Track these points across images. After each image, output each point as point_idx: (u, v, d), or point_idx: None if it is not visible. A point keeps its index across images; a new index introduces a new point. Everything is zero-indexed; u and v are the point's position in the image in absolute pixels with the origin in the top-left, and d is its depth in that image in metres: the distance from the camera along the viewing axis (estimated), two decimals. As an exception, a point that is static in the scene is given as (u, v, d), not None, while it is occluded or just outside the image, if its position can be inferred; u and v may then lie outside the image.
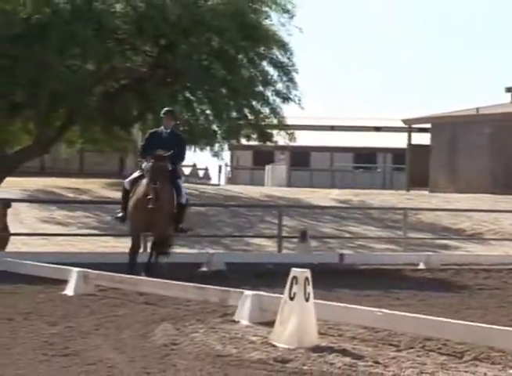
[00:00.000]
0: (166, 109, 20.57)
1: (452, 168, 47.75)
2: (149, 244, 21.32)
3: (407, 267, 23.57)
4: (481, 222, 31.89)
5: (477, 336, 11.05)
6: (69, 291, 16.02)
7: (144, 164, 19.26)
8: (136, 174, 19.84)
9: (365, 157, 68.40)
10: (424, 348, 11.36)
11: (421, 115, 53.60)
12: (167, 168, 18.82)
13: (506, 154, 44.45)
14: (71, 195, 34.23)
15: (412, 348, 11.41)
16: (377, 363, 10.48)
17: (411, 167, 51.49)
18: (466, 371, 10.16)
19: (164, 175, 18.73)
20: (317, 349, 11.02)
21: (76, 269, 16.31)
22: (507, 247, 28.23)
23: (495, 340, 10.83)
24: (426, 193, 43.26)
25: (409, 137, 52.60)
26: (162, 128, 19.98)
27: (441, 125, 50.92)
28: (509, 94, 52.98)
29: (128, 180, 19.85)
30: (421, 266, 23.62)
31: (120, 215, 19.89)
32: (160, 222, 19.11)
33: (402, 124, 54.39)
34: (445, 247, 28.36)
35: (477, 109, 50.09)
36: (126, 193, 19.65)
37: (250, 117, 32.12)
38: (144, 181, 18.90)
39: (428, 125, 52.97)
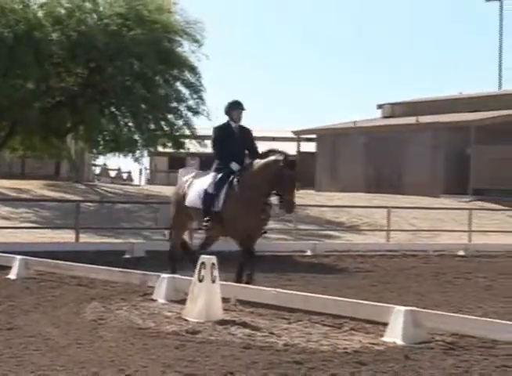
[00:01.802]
0: (234, 100, 14.94)
1: (334, 171, 48.13)
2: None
3: (297, 254, 23.71)
4: (358, 215, 32.13)
5: (353, 310, 11.21)
6: (12, 275, 15.81)
7: (234, 166, 14.30)
8: (211, 176, 14.63)
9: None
10: (311, 321, 11.42)
11: (308, 127, 53.95)
12: (295, 177, 14.26)
13: (377, 160, 44.92)
14: (14, 194, 33.76)
15: (300, 321, 11.47)
16: (272, 333, 10.53)
17: (300, 170, 51.78)
18: (345, 339, 10.27)
19: (294, 184, 14.25)
20: (222, 322, 11.07)
21: (19, 257, 16.11)
22: (378, 236, 28.53)
23: (367, 313, 10.97)
24: (313, 192, 43.44)
25: (298, 145, 53.08)
26: (229, 121, 14.79)
27: (324, 136, 51.38)
28: (379, 110, 53.67)
29: (211, 183, 14.38)
30: (308, 253, 23.74)
31: (206, 223, 14.41)
32: (262, 230, 14.84)
33: (292, 135, 54.71)
34: (329, 237, 28.49)
35: (354, 122, 50.66)
36: (211, 198, 14.29)
37: (165, 128, 32.88)
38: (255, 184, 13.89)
39: (314, 136, 53.37)
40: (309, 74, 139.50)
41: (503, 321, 10.25)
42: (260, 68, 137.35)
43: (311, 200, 36.72)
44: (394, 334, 10.09)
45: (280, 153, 14.15)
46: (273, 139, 69.30)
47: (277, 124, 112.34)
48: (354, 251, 24.43)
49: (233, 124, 14.70)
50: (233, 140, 14.51)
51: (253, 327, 10.94)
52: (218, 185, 14.30)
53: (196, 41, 32.23)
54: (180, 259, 15.60)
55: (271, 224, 30.73)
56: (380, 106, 53.75)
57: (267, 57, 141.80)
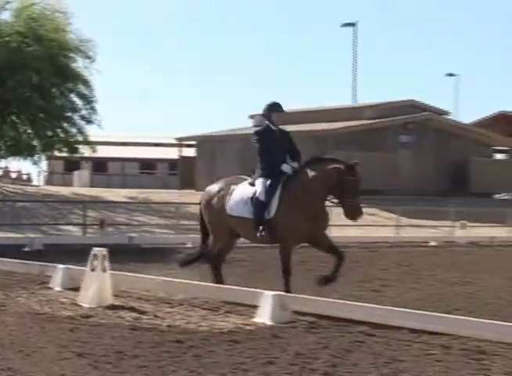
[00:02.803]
0: (274, 102, 12.72)
1: (212, 174, 48.13)
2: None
3: (178, 246, 23.63)
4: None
5: (228, 295, 11.34)
6: None
7: (286, 168, 12.30)
8: (260, 182, 12.28)
9: (148, 165, 68.87)
10: (191, 305, 11.45)
11: (189, 135, 53.90)
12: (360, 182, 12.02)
13: (249, 164, 45.04)
14: None
15: (182, 305, 11.48)
16: (157, 316, 10.52)
17: (182, 172, 51.92)
18: (221, 321, 10.30)
19: (358, 189, 12.05)
20: (112, 307, 11.00)
21: None
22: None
23: (240, 297, 11.06)
24: (193, 191, 43.37)
25: (181, 151, 53.16)
26: (268, 124, 12.66)
27: (204, 142, 51.44)
28: (251, 120, 54.08)
29: (262, 190, 12.11)
30: (189, 245, 23.69)
31: (260, 233, 12.09)
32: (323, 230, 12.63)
33: (175, 141, 54.64)
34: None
35: (231, 130, 50.99)
36: (262, 207, 12.07)
37: (61, 135, 32.92)
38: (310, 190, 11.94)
39: (194, 142, 53.36)
40: (194, 87, 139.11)
41: (357, 303, 10.46)
42: (150, 82, 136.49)
43: (191, 198, 36.73)
44: (264, 316, 10.17)
45: (336, 160, 12.34)
46: (157, 144, 69.32)
47: (162, 131, 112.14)
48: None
49: (273, 127, 12.64)
50: (276, 143, 12.52)
51: (139, 311, 10.89)
52: (269, 191, 12.14)
53: (89, 57, 32.54)
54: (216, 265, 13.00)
55: (156, 220, 30.81)
56: (252, 117, 54.12)
57: (157, 74, 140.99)
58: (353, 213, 11.99)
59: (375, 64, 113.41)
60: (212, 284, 11.96)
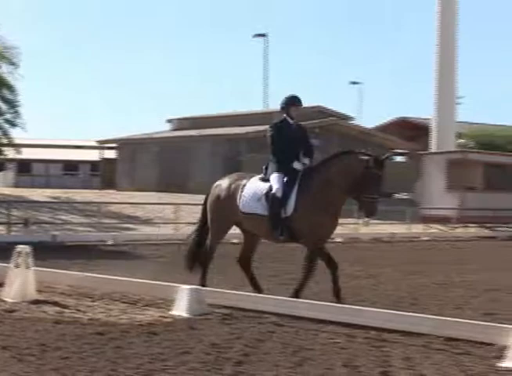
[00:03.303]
0: (292, 95, 11.47)
1: (132, 174, 47.90)
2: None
3: (101, 243, 23.43)
4: (151, 211, 32.03)
5: (147, 289, 11.26)
6: None
7: (297, 165, 11.13)
8: (276, 178, 11.13)
9: (71, 166, 68.12)
10: (112, 299, 11.33)
11: (110, 137, 53.48)
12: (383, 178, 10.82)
13: (167, 165, 45.01)
14: None
15: (103, 299, 11.36)
16: (78, 310, 10.39)
17: (103, 173, 51.54)
18: (140, 314, 10.23)
19: (380, 185, 10.84)
20: (35, 302, 10.81)
21: None
22: (168, 228, 28.56)
23: (159, 291, 11.00)
24: (114, 191, 43.05)
25: (102, 153, 52.72)
26: (286, 118, 11.43)
27: (124, 145, 51.11)
28: (168, 124, 53.92)
29: (279, 187, 10.95)
30: (110, 242, 23.52)
31: (281, 233, 10.99)
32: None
33: (97, 144, 54.20)
34: (127, 229, 28.34)
35: (149, 133, 50.77)
36: (280, 204, 10.89)
37: None
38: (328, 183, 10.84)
39: (115, 145, 52.93)
40: (115, 91, 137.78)
41: (268, 296, 10.51)
42: (74, 89, 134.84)
43: (113, 198, 36.45)
44: (181, 309, 10.14)
45: (365, 153, 11.06)
46: (80, 147, 68.53)
47: (85, 133, 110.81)
48: (148, 240, 24.40)
49: (290, 121, 11.40)
50: (292, 138, 11.27)
51: (62, 305, 10.74)
52: (286, 187, 10.97)
53: (13, 63, 32.07)
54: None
55: (79, 218, 30.43)
56: (169, 121, 53.97)
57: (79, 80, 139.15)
58: (370, 210, 10.80)
59: (286, 72, 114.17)
60: (132, 279, 11.84)
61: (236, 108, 54.31)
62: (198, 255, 12.22)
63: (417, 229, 33.10)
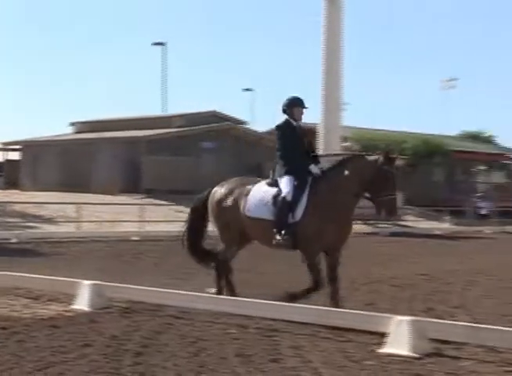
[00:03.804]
0: (295, 97, 10.41)
1: (36, 175, 46.92)
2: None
3: (5, 241, 22.87)
4: (55, 210, 31.41)
5: (50, 284, 11.12)
6: None
7: (314, 169, 10.06)
8: (286, 181, 10.01)
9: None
10: (15, 295, 11.10)
11: (14, 139, 52.30)
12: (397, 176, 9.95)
13: (71, 166, 44.29)
14: None
15: (7, 295, 11.10)
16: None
17: (7, 174, 50.37)
18: (42, 308, 10.07)
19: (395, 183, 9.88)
20: None
21: None
22: (71, 226, 28.14)
23: (60, 287, 10.87)
24: (18, 191, 42.05)
25: (6, 154, 51.73)
26: (289, 120, 10.30)
27: (28, 146, 50.03)
28: (70, 127, 53.17)
29: (290, 190, 9.89)
30: (14, 240, 22.99)
31: (283, 237, 9.89)
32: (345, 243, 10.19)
33: (0, 145, 52.97)
34: (31, 227, 27.75)
35: (53, 136, 50.00)
36: (289, 208, 9.86)
37: None
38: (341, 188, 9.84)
39: (19, 146, 51.81)
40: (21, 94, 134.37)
41: (165, 289, 10.46)
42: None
43: (16, 198, 35.62)
44: (82, 303, 10.02)
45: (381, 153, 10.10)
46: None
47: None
48: (51, 238, 23.95)
49: (294, 123, 10.33)
50: (298, 139, 10.30)
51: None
52: (296, 191, 9.93)
53: None
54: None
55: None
56: (72, 124, 53.15)
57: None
58: (390, 209, 9.84)
59: (184, 79, 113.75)
60: (35, 275, 11.61)
61: (136, 112, 53.91)
62: (200, 247, 11.30)
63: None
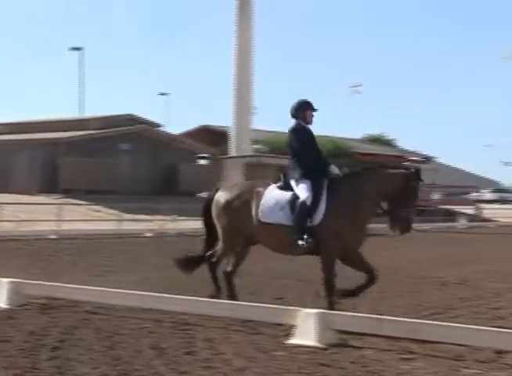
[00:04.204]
0: (305, 100, 9.79)
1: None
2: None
3: None
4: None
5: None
6: None
7: (335, 169, 9.51)
8: (305, 184, 9.36)
9: None
10: None
11: None
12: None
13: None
14: None
15: None
16: None
17: None
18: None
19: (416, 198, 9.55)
20: None
21: None
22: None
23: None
24: None
25: None
26: (302, 123, 9.64)
27: None
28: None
29: (309, 195, 9.24)
30: None
31: (307, 241, 9.19)
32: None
33: None
34: None
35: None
36: (309, 213, 9.21)
37: None
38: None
39: None
40: None
41: (82, 286, 10.26)
42: None
43: None
44: (0, 301, 9.77)
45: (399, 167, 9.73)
46: None
47: None
48: None
49: (306, 126, 9.69)
50: (312, 143, 9.64)
51: None
52: (315, 195, 9.29)
53: None
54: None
55: None
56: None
57: None
58: (406, 225, 9.33)
59: (101, 83, 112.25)
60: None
61: (54, 115, 53.03)
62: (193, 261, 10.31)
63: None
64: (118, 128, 43.89)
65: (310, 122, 9.72)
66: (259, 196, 9.56)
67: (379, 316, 8.24)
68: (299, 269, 14.27)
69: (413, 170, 9.54)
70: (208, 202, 10.24)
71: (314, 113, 9.75)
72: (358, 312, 8.89)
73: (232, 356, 7.27)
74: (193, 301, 9.16)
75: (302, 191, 9.33)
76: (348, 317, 8.17)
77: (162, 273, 14.34)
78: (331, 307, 9.13)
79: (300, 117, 9.68)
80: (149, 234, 27.49)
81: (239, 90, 43.78)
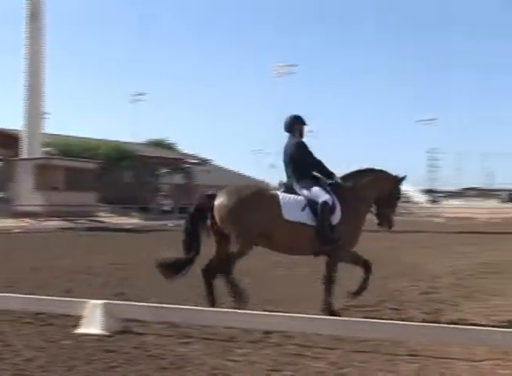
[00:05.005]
0: (295, 115, 9.54)
1: None
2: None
3: None
4: None
5: None
6: None
7: (335, 177, 9.23)
8: (319, 190, 9.03)
9: None
10: None
11: None
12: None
13: None
14: None
15: None
16: None
17: None
18: None
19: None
20: None
21: None
22: None
23: None
24: None
25: None
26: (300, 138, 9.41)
27: None
28: None
29: (329, 198, 8.96)
30: None
31: (328, 247, 8.93)
32: None
33: None
34: None
35: None
36: (331, 213, 8.97)
37: None
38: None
39: None
40: None
41: None
42: None
43: None
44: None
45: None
46: None
47: None
48: None
49: (298, 139, 9.39)
50: (314, 154, 9.33)
51: None
52: (332, 197, 9.01)
53: None
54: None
55: None
56: None
57: None
58: (391, 222, 9.63)
59: None
60: None
61: None
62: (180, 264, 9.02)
63: (11, 223, 32.44)
64: None
65: (304, 136, 9.49)
66: (275, 196, 9.03)
67: (158, 305, 8.30)
68: (89, 264, 14.03)
69: (400, 177, 9.71)
70: (202, 210, 9.01)
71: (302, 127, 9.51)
72: (146, 302, 8.87)
73: (21, 348, 7.05)
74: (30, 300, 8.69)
75: (319, 194, 9.03)
76: (131, 306, 8.18)
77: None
78: (328, 304, 8.92)
79: (296, 131, 9.41)
80: None
81: (30, 95, 42.18)
